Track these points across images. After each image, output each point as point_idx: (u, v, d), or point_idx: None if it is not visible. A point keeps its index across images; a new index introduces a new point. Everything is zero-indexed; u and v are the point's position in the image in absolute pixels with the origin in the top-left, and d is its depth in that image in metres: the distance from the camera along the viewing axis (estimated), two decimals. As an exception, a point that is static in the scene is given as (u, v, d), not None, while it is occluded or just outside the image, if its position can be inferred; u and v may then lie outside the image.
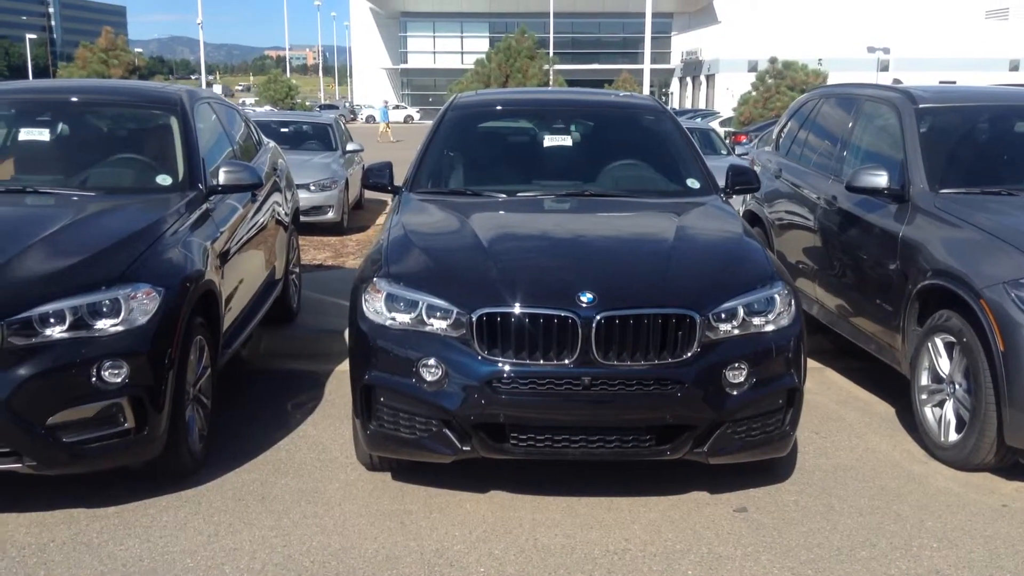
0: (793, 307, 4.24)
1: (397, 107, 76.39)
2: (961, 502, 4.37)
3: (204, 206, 5.15)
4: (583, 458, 4.05)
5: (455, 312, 4.02)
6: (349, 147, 14.21)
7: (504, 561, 3.78)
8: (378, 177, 5.50)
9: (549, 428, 4.00)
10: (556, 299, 3.95)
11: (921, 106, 5.76)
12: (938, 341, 4.88)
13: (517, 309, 3.93)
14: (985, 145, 5.81)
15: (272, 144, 7.78)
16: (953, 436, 4.76)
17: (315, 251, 10.86)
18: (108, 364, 3.93)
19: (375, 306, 4.19)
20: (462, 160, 5.68)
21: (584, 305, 3.91)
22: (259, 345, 6.88)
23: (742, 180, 5.45)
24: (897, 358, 5.37)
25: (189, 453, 4.43)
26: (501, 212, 5.02)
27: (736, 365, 3.99)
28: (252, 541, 3.92)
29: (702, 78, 66.37)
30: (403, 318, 4.12)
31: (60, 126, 5.53)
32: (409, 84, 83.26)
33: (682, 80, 72.24)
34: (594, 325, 3.88)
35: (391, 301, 4.15)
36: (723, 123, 29.26)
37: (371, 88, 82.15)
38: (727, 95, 55.15)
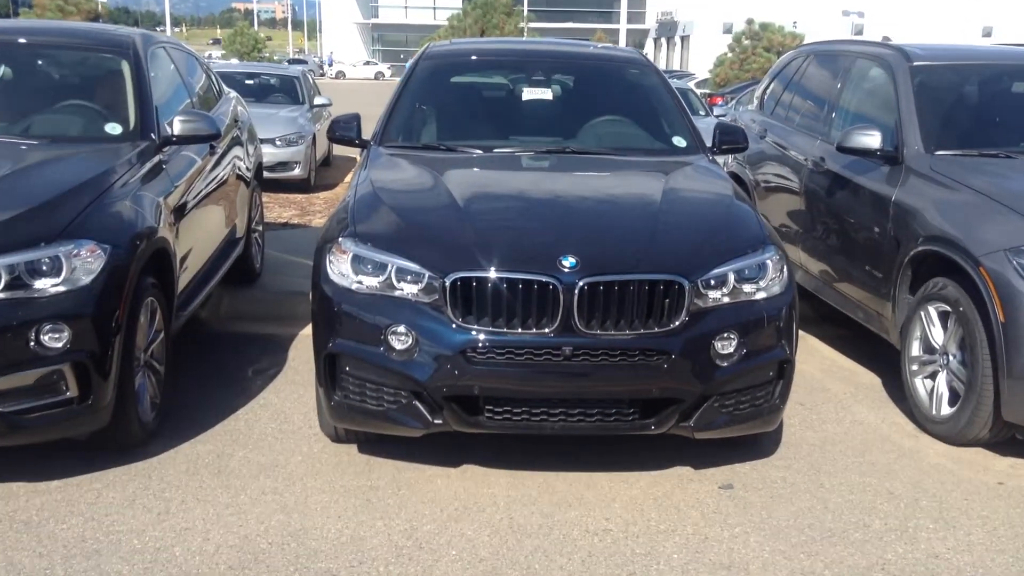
0: (785, 274, 4.00)
1: (367, 63, 75.27)
2: (955, 479, 4.18)
3: (157, 158, 4.80)
4: (562, 432, 3.80)
5: (427, 276, 3.73)
6: (317, 101, 13.77)
7: (477, 543, 3.53)
8: (344, 130, 5.16)
9: (526, 401, 3.74)
10: (536, 263, 3.67)
11: (916, 64, 5.50)
12: (931, 310, 4.67)
13: (493, 273, 3.65)
14: (982, 105, 5.57)
15: (234, 94, 7.40)
16: (946, 409, 4.56)
17: (280, 209, 10.48)
18: (48, 327, 3.61)
19: (340, 268, 3.90)
20: (435, 113, 5.35)
21: (566, 270, 3.64)
22: (219, 307, 6.56)
23: (730, 139, 5.17)
24: (886, 327, 5.16)
25: (139, 423, 4.13)
26: (476, 169, 4.71)
27: (725, 335, 3.75)
28: (205, 520, 3.64)
29: (677, 39, 65.77)
30: (370, 281, 3.82)
31: (2, 69, 5.13)
32: (380, 39, 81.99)
33: (656, 41, 71.57)
34: (576, 292, 3.61)
35: (358, 263, 3.86)
36: (698, 84, 28.90)
37: (341, 43, 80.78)
38: (701, 56, 54.72)
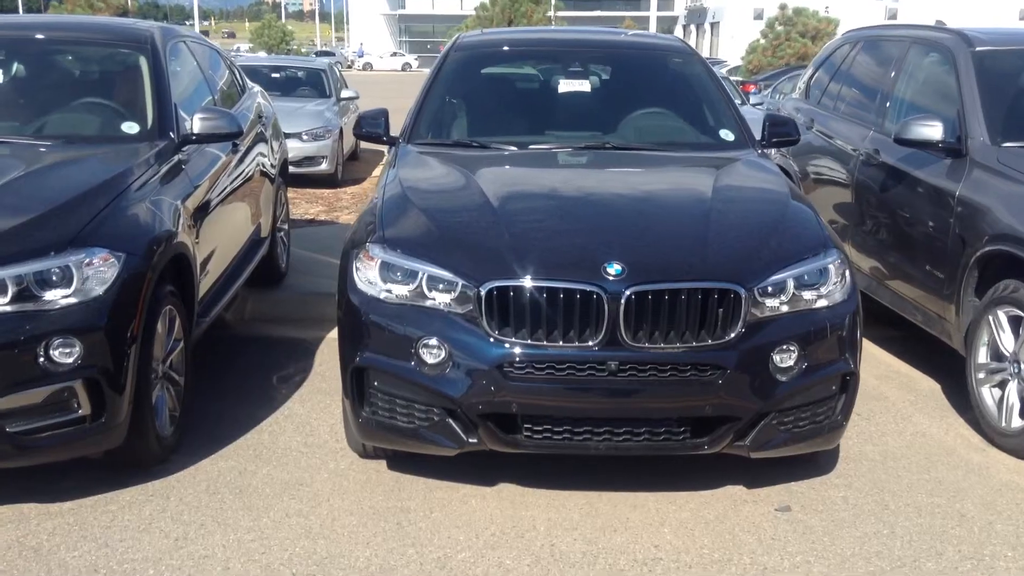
0: (848, 279, 3.70)
1: (395, 54, 75.11)
2: (1031, 500, 3.86)
3: (176, 158, 4.57)
4: (606, 453, 3.52)
5: (460, 284, 3.47)
6: (344, 94, 13.54)
7: (516, 573, 3.27)
8: (371, 126, 4.90)
9: (569, 419, 3.46)
10: (578, 271, 3.40)
11: (978, 49, 5.15)
12: (1001, 314, 4.34)
13: (532, 282, 3.37)
14: (1050, 94, 5.21)
15: (258, 89, 7.16)
16: (1017, 422, 4.24)
17: (307, 205, 10.26)
18: (58, 342, 3.38)
19: (368, 275, 3.64)
20: (466, 108, 5.07)
21: (611, 278, 3.35)
22: (244, 309, 6.33)
23: (781, 132, 4.86)
24: (948, 331, 4.84)
25: (157, 439, 3.90)
26: (512, 168, 4.43)
27: (785, 347, 3.45)
28: (226, 547, 3.41)
29: (706, 26, 65.01)
30: (400, 290, 3.56)
31: (15, 66, 4.91)
32: (407, 31, 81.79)
33: (686, 28, 70.81)
34: (623, 301, 3.32)
35: (386, 270, 3.60)
36: (730, 72, 28.39)
37: (368, 34, 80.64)
38: (731, 43, 54.02)
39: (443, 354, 3.43)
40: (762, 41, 30.22)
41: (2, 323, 3.32)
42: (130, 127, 4.63)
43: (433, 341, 3.44)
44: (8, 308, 3.34)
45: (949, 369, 5.22)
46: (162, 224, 4.00)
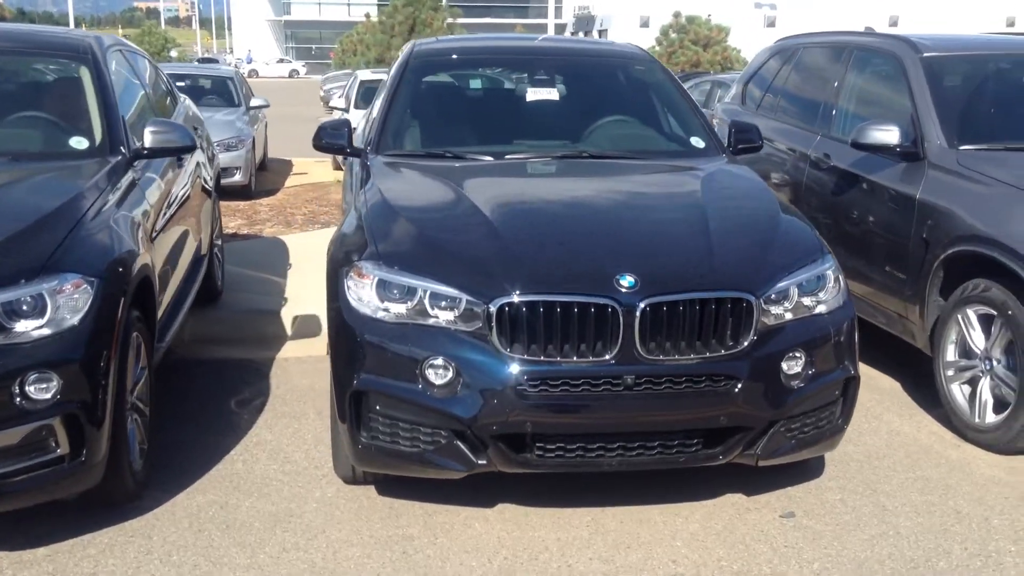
0: (843, 285, 3.72)
1: (281, 61, 73.77)
2: (1017, 494, 3.96)
3: (129, 174, 4.30)
4: (619, 468, 3.44)
5: (464, 301, 3.34)
6: (253, 102, 13.14)
7: (540, 598, 3.16)
8: (333, 137, 4.71)
9: (582, 436, 3.38)
10: (590, 284, 3.31)
11: (926, 55, 5.29)
12: (971, 313, 4.45)
13: (545, 297, 3.28)
14: (998, 97, 5.38)
15: (187, 99, 6.86)
16: (991, 417, 4.35)
17: (226, 218, 9.85)
18: (34, 377, 3.12)
19: (362, 294, 3.48)
20: (432, 118, 4.93)
21: (624, 290, 3.28)
22: (183, 331, 6.03)
23: (745, 138, 4.88)
24: (911, 330, 4.94)
25: (132, 475, 3.65)
26: (496, 178, 4.32)
27: (793, 355, 3.44)
28: (227, 588, 3.20)
29: (595, 33, 65.94)
30: (398, 309, 3.42)
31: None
32: (293, 37, 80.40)
33: (575, 35, 71.67)
34: (637, 314, 3.26)
35: (383, 289, 3.44)
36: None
37: (252, 41, 78.95)
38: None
39: (451, 374, 3.30)
40: (657, 48, 30.77)
41: (-28, 359, 3.04)
42: (79, 142, 4.34)
43: (439, 361, 3.31)
44: (-23, 342, 3.06)
45: (906, 367, 5.35)
46: (127, 246, 3.74)
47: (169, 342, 4.70)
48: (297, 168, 14.75)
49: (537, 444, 3.38)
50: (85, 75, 4.61)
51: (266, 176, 13.61)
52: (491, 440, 3.33)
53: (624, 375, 3.27)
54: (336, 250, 3.82)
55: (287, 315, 6.26)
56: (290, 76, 68.94)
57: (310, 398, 4.98)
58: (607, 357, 3.27)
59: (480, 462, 3.38)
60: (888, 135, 4.98)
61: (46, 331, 3.18)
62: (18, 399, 3.09)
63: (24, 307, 3.17)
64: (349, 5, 73.71)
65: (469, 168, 4.37)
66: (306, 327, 6.19)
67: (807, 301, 3.56)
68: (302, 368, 5.52)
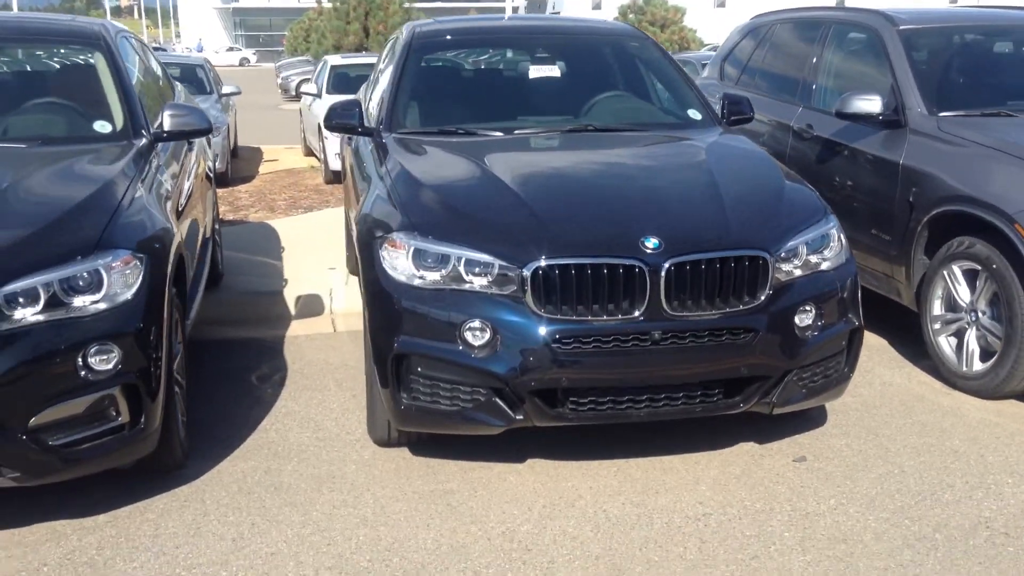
0: (844, 243, 3.99)
1: (231, 49, 72.88)
2: (1008, 432, 4.26)
3: (153, 157, 4.43)
4: (647, 419, 3.68)
5: (498, 266, 3.55)
6: (225, 89, 13.16)
7: (583, 539, 3.39)
8: (344, 117, 4.87)
9: (612, 389, 3.61)
10: (617, 247, 3.54)
11: (902, 27, 5.57)
12: (956, 269, 4.75)
13: (577, 260, 3.49)
14: (971, 66, 5.69)
15: (179, 85, 6.95)
16: (978, 365, 4.65)
17: (209, 204, 9.96)
18: (95, 349, 3.27)
19: (398, 263, 3.67)
20: (440, 96, 5.11)
21: (649, 251, 3.51)
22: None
23: (737, 110, 5.12)
24: (897, 289, 5.24)
25: (180, 443, 3.82)
26: (511, 152, 4.51)
27: (804, 308, 3.70)
28: (287, 542, 3.39)
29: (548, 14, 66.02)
30: (433, 276, 3.62)
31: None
32: (242, 24, 79.46)
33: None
34: (663, 273, 3.49)
35: (419, 257, 3.64)
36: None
37: (200, 29, 77.92)
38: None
39: (488, 335, 3.51)
40: (613, 28, 30.94)
41: (39, 333, 3.19)
42: (102, 126, 4.46)
43: (477, 323, 3.51)
44: (41, 317, 3.21)
45: (892, 326, 5.64)
46: (165, 225, 3.89)
47: (193, 320, 4.85)
48: (267, 155, 14.81)
49: (570, 399, 3.60)
50: (100, 61, 4.72)
51: (239, 163, 13.65)
52: (528, 396, 3.54)
53: (651, 331, 3.50)
54: (366, 223, 3.99)
55: (289, 296, 6.42)
56: (240, 64, 68.19)
57: (327, 371, 5.15)
58: (636, 314, 3.50)
59: (518, 417, 3.59)
60: (871, 104, 5.25)
61: (102, 305, 3.33)
62: (82, 371, 3.24)
63: (80, 283, 3.31)
64: (298, -9, 72.97)
65: (483, 143, 4.57)
66: (310, 306, 6.36)
67: (814, 258, 3.82)
68: (313, 345, 5.69)
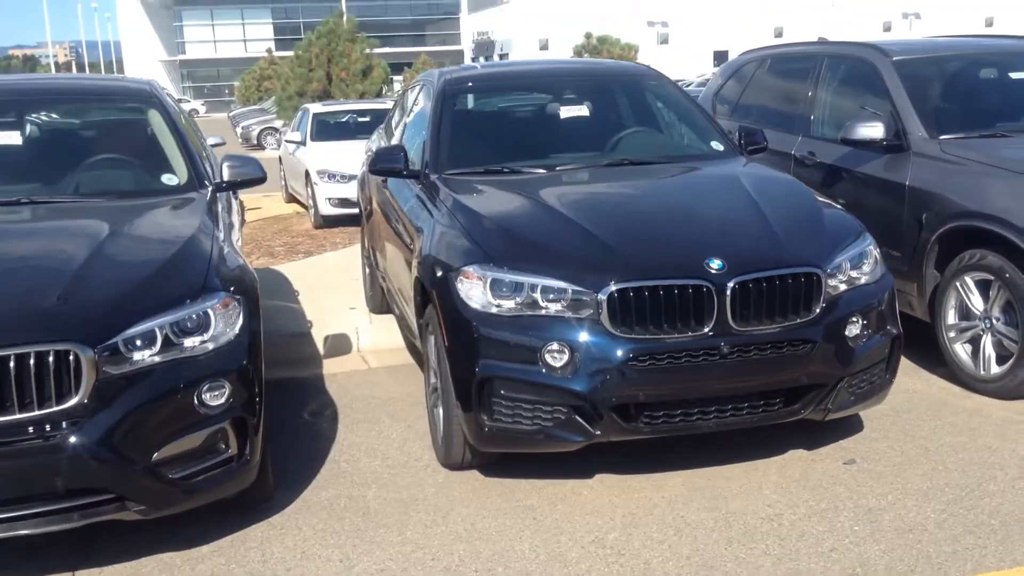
0: (880, 259, 4.31)
1: (180, 100, 72.65)
2: (1032, 429, 4.60)
3: (219, 206, 4.65)
4: (716, 429, 3.95)
5: (572, 291, 3.82)
6: (209, 140, 13.27)
7: (668, 542, 3.63)
8: (390, 161, 5.14)
9: (682, 402, 3.87)
10: (684, 268, 3.83)
11: (896, 58, 5.98)
12: (968, 280, 5.10)
13: (648, 282, 3.77)
14: (963, 92, 6.11)
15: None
16: (995, 368, 4.99)
17: (209, 253, 10.10)
18: (208, 386, 3.47)
19: (473, 294, 3.92)
20: (477, 138, 5.38)
21: (715, 271, 3.80)
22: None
23: (752, 140, 5.47)
24: (910, 302, 5.57)
25: (270, 475, 4.01)
26: (561, 186, 4.79)
27: (853, 319, 4.01)
28: (393, 559, 3.58)
29: (495, 58, 66.98)
30: (508, 303, 3.87)
31: (28, 128, 4.81)
32: (190, 76, 79.35)
33: (476, 61, 72.66)
34: (728, 292, 3.78)
35: (495, 287, 3.89)
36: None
37: (148, 83, 77.46)
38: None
39: (566, 356, 3.76)
40: (568, 68, 31.62)
41: (159, 373, 3.38)
42: (169, 179, 4.67)
43: (556, 345, 3.76)
44: (158, 358, 3.40)
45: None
46: (248, 268, 4.11)
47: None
48: (248, 203, 14.92)
49: (644, 413, 3.86)
50: (156, 117, 4.95)
51: (222, 213, 13.76)
52: (606, 412, 3.79)
53: (720, 346, 3.78)
54: (433, 258, 4.23)
55: (317, 336, 6.62)
56: (191, 115, 67.95)
57: (375, 405, 5.35)
58: (705, 331, 3.78)
59: (596, 433, 3.84)
60: (874, 131, 5.63)
61: (210, 345, 3.53)
62: (199, 407, 3.44)
63: (189, 324, 3.51)
64: (245, 42, 73.16)
65: (530, 179, 4.85)
66: (338, 346, 6.57)
67: (855, 274, 4.14)
68: (352, 381, 5.88)
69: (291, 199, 14.49)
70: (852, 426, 4.64)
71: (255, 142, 29.00)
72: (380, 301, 6.79)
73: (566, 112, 5.43)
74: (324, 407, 5.38)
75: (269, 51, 51.89)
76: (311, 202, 12.28)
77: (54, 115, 5.03)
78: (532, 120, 5.68)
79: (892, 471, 4.17)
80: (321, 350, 6.51)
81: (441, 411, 4.25)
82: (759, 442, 4.43)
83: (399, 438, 4.82)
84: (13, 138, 4.65)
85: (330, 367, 6.22)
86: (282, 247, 10.59)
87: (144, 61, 78.87)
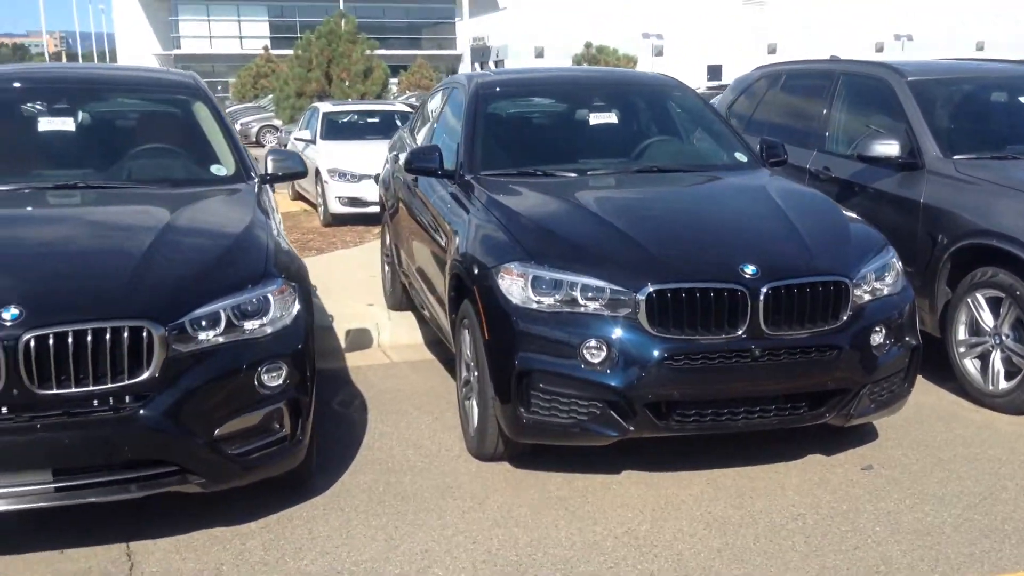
0: (902, 271, 4.50)
1: (174, 95, 72.47)
2: (1040, 442, 4.80)
3: (264, 196, 4.80)
4: (744, 429, 4.12)
5: (610, 290, 3.98)
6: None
7: (698, 535, 3.80)
8: (426, 161, 5.30)
9: (713, 402, 4.05)
10: (719, 272, 4.00)
11: (911, 79, 6.19)
12: (980, 297, 5.29)
13: (686, 284, 3.94)
14: (974, 114, 6.33)
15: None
16: (1004, 384, 5.18)
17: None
18: (267, 367, 3.63)
19: (513, 290, 4.09)
20: (510, 141, 5.56)
21: (748, 276, 3.98)
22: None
23: (774, 153, 5.66)
24: (921, 317, 5.74)
25: (313, 458, 4.15)
26: (595, 189, 4.97)
27: (877, 328, 4.19)
28: (436, 541, 3.74)
29: (491, 64, 67.21)
30: (548, 300, 4.04)
31: (80, 115, 4.95)
32: (185, 71, 79.22)
33: (472, 67, 72.85)
34: (761, 297, 3.96)
35: (536, 284, 4.06)
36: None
37: (141, 75, 77.27)
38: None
39: (604, 352, 3.93)
40: (566, 77, 31.86)
41: (223, 353, 3.53)
42: (218, 169, 4.82)
43: (593, 343, 3.93)
44: (221, 339, 3.55)
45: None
46: (298, 257, 4.27)
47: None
48: (253, 199, 15.05)
49: (676, 411, 4.03)
50: (202, 109, 5.09)
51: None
52: (640, 408, 3.96)
53: (753, 348, 3.96)
54: (472, 255, 4.39)
55: (339, 330, 6.77)
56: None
57: (402, 397, 5.50)
58: (739, 333, 3.95)
59: (630, 428, 4.01)
60: (890, 148, 5.83)
61: (268, 328, 3.68)
62: (258, 387, 3.58)
63: (249, 308, 3.66)
64: (241, 39, 73.18)
65: (564, 182, 5.03)
66: (359, 340, 6.71)
67: (879, 284, 4.33)
68: (377, 374, 6.03)
69: (298, 196, 14.60)
70: (867, 434, 4.82)
71: (254, 139, 29.05)
72: (400, 298, 6.94)
73: (595, 119, 5.61)
74: (352, 397, 5.53)
75: (265, 48, 52.01)
76: (320, 200, 12.41)
77: (104, 104, 5.16)
78: (562, 125, 5.86)
79: (908, 477, 4.35)
80: (343, 344, 6.65)
81: (475, 403, 4.41)
82: (777, 447, 4.60)
83: (428, 429, 4.97)
84: (67, 124, 4.78)
85: (353, 360, 6.36)
86: (294, 244, 10.63)
87: (139, 54, 78.71)
